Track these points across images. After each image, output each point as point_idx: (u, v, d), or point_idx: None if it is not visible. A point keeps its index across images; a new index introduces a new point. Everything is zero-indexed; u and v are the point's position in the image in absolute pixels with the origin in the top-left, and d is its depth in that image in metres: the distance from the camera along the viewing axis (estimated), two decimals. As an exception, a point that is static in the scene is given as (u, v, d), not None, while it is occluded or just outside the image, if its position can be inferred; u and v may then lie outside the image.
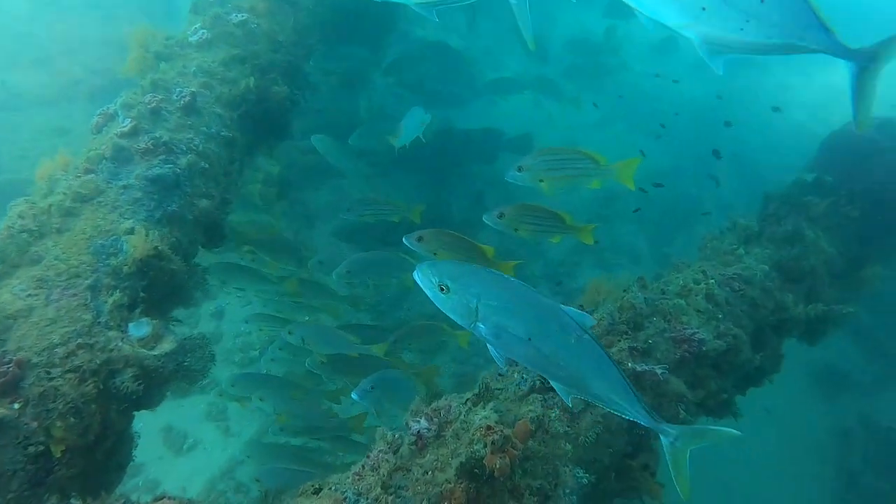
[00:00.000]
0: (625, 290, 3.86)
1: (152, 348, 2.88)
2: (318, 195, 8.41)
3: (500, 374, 3.24)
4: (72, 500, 2.54)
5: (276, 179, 7.43)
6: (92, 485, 2.70)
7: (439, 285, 2.22)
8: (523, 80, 10.41)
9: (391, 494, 2.44)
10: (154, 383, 2.87)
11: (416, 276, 2.27)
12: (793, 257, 4.06)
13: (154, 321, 2.96)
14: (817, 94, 11.15)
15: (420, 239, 3.89)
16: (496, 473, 2.45)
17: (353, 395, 3.79)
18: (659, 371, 3.07)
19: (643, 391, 3.11)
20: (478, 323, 2.21)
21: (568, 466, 2.80)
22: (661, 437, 2.36)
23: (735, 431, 2.35)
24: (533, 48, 3.67)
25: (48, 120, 7.71)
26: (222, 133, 3.98)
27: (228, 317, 6.88)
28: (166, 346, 2.89)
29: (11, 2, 8.44)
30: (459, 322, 2.26)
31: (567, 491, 2.74)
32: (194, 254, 3.77)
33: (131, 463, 5.91)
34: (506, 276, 2.33)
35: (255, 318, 6.12)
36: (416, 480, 2.53)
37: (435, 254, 3.70)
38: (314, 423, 4.38)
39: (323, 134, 6.95)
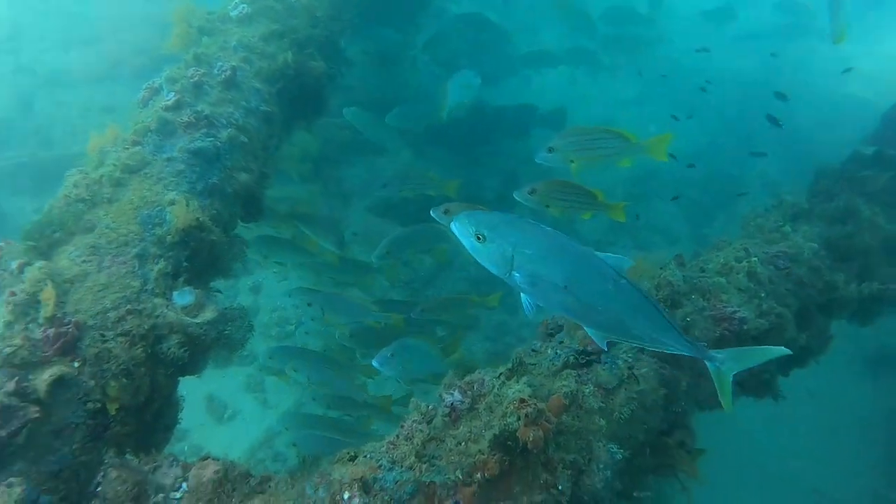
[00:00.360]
0: (661, 268, 3.79)
1: (195, 316, 2.98)
2: (353, 172, 8.47)
3: (533, 350, 3.23)
4: (127, 456, 2.68)
5: (312, 156, 7.51)
6: (143, 443, 2.83)
7: (476, 234, 2.24)
8: (558, 53, 10.17)
9: (425, 463, 2.48)
10: (197, 350, 2.97)
11: (454, 226, 2.28)
12: (845, 235, 3.89)
13: (197, 290, 3.05)
14: (878, 64, 10.55)
15: (447, 212, 3.91)
16: (529, 446, 2.46)
17: (374, 363, 3.85)
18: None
19: (680, 369, 3.07)
20: (513, 272, 2.23)
21: (602, 441, 2.78)
22: (708, 364, 2.40)
23: (783, 349, 2.39)
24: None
25: (95, 97, 7.95)
26: (261, 108, 4.03)
27: (266, 291, 7.04)
28: (208, 314, 2.98)
29: (65, -18, 8.72)
30: (495, 272, 2.28)
31: (601, 466, 2.74)
32: (234, 227, 3.86)
33: (177, 428, 6.16)
34: (542, 226, 2.32)
35: (296, 292, 6.24)
36: (450, 451, 2.56)
37: None
38: (346, 395, 4.47)
39: (357, 107, 6.98)
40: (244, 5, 4.43)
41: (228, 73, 3.86)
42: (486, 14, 9.94)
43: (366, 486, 2.38)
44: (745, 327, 3.25)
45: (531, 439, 2.45)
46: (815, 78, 9.82)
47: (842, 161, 4.62)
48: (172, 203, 3.15)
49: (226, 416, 6.22)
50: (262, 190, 4.08)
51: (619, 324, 2.30)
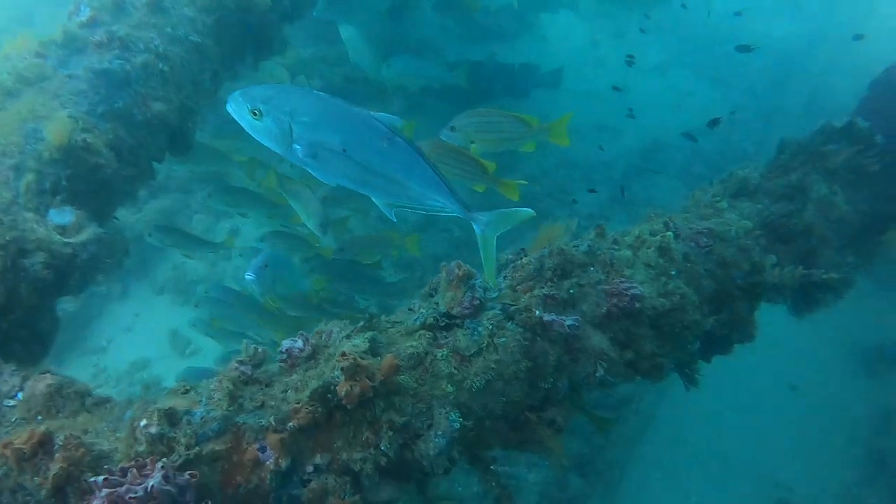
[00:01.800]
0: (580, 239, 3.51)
1: (69, 237, 2.94)
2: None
3: (409, 309, 3.05)
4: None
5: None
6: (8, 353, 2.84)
7: (251, 111, 2.10)
8: None
9: (235, 405, 2.38)
10: (67, 270, 2.94)
11: (229, 106, 2.15)
12: (784, 214, 3.46)
13: (78, 211, 3.01)
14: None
15: None
16: (344, 401, 2.34)
17: (247, 275, 3.76)
18: (567, 323, 2.76)
19: (551, 343, 2.83)
20: (294, 145, 2.14)
21: (445, 409, 2.61)
22: (474, 226, 2.50)
23: (528, 210, 2.57)
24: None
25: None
26: (190, 38, 3.88)
27: (243, 236, 7.06)
28: (83, 236, 2.93)
29: None
30: (277, 149, 2.18)
31: (439, 433, 2.57)
32: (152, 156, 3.78)
33: (140, 357, 6.27)
34: (317, 92, 2.24)
35: (269, 237, 6.17)
36: (272, 396, 2.46)
37: None
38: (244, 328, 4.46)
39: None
40: (192, -68, 4.23)
41: (151, -2, 3.71)
42: None
43: (171, 418, 2.31)
44: (638, 305, 2.95)
45: (345, 394, 2.32)
46: (871, 47, 8.71)
47: (811, 131, 4.09)
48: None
49: (187, 352, 6.34)
50: (189, 125, 3.97)
51: (396, 184, 2.27)
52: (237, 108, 2.12)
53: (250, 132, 2.15)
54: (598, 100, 8.83)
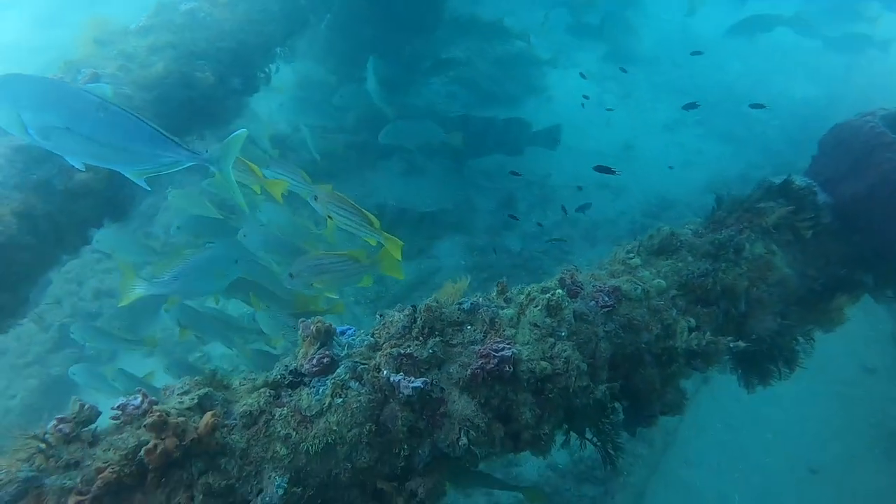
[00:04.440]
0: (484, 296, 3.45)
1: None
2: (346, 186, 8.68)
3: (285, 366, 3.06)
4: None
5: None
6: None
7: None
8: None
9: (55, 463, 2.43)
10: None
11: None
12: (701, 273, 3.24)
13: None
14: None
15: (316, 198, 4.03)
16: (146, 460, 2.34)
17: None
18: (413, 384, 2.67)
19: (405, 406, 2.73)
20: (28, 129, 2.32)
21: (277, 472, 2.55)
22: (210, 167, 2.62)
23: (242, 131, 2.73)
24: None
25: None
26: (126, 113, 4.28)
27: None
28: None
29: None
30: (18, 136, 2.37)
31: (267, 499, 2.51)
32: (85, 222, 4.12)
33: None
34: (40, 77, 2.40)
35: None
36: (92, 456, 2.50)
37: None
38: None
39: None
40: (144, 18, 4.79)
41: (88, 77, 4.17)
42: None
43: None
44: (509, 369, 2.82)
45: (145, 453, 2.33)
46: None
47: (751, 188, 3.89)
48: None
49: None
50: (122, 192, 4.32)
51: (126, 151, 2.38)
52: None
53: None
54: (602, 158, 8.83)
